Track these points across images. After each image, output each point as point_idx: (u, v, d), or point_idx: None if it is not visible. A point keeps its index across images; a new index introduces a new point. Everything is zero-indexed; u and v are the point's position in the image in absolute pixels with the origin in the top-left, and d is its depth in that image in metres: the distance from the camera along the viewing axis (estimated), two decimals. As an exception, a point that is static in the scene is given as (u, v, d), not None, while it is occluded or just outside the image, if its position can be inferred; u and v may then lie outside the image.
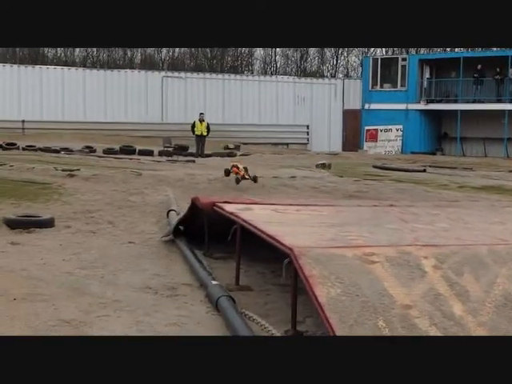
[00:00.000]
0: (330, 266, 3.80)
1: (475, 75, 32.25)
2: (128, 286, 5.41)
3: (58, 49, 52.11)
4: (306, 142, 35.72)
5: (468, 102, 32.85)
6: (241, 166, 11.82)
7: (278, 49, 54.78)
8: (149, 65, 50.73)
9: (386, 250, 4.10)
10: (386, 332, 3.27)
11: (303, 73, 53.69)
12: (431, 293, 3.62)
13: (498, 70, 31.42)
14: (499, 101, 31.98)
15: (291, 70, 56.01)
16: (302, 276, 3.76)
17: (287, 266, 4.10)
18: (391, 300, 3.53)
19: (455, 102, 33.41)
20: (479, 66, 31.61)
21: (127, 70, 37.64)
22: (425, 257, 4.02)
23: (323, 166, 20.35)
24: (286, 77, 40.76)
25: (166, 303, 4.95)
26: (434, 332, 3.26)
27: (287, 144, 34.76)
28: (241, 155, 25.34)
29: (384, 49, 50.93)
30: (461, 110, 32.31)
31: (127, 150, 24.16)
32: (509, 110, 30.90)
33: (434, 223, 5.45)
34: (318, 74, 53.43)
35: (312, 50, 55.03)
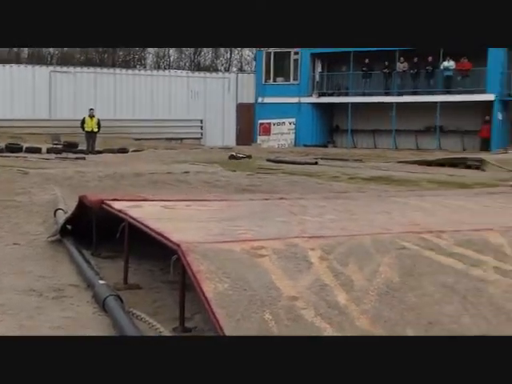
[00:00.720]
0: (217, 261, 3.77)
1: (364, 69, 33.19)
2: (11, 290, 5.18)
3: None
4: (199, 136, 35.68)
5: (358, 95, 33.80)
6: None
7: (170, 43, 54.40)
8: (36, 59, 49.11)
9: (273, 243, 4.10)
10: (273, 324, 3.27)
11: (197, 67, 53.59)
12: (317, 284, 3.65)
13: (386, 63, 32.46)
14: (387, 94, 33.09)
15: (185, 65, 55.79)
16: (190, 272, 3.70)
17: (175, 263, 4.03)
18: (278, 292, 3.53)
19: (346, 95, 34.29)
20: (367, 60, 32.53)
21: (13, 64, 36.31)
22: (311, 248, 4.05)
23: (234, 157, 20.30)
24: (179, 71, 40.56)
25: (51, 305, 4.78)
26: (318, 322, 3.28)
27: (181, 139, 34.59)
28: (133, 151, 24.98)
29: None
30: (351, 103, 33.21)
31: (13, 148, 23.32)
32: (396, 103, 32.00)
33: (321, 215, 5.51)
34: (212, 68, 53.49)
35: (205, 45, 55.03)
